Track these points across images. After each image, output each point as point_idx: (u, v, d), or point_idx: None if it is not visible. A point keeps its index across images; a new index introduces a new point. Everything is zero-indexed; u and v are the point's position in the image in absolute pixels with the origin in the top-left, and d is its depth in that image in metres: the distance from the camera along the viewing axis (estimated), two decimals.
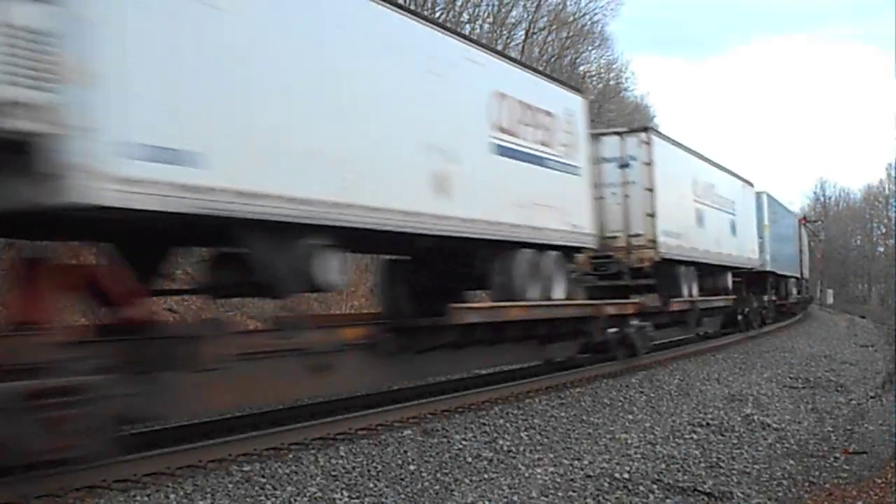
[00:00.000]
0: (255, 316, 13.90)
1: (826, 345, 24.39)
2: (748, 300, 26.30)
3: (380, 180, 9.27)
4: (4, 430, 6.09)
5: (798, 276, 37.53)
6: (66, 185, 6.03)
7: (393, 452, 8.47)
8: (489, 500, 6.97)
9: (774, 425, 10.75)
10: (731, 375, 15.93)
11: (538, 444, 9.22)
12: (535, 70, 15.32)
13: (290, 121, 8.14)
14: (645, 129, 18.13)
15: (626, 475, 7.79)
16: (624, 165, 16.96)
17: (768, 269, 28.57)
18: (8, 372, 6.30)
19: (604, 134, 17.54)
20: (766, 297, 29.25)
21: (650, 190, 16.93)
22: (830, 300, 65.26)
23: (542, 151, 12.81)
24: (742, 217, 24.45)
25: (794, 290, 36.64)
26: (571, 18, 38.21)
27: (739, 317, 25.46)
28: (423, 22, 10.97)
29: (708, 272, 20.99)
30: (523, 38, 35.19)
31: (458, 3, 31.25)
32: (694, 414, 11.39)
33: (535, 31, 36.05)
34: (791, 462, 8.86)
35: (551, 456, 8.62)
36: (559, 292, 13.23)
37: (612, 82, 44.00)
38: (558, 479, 7.63)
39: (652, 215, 16.86)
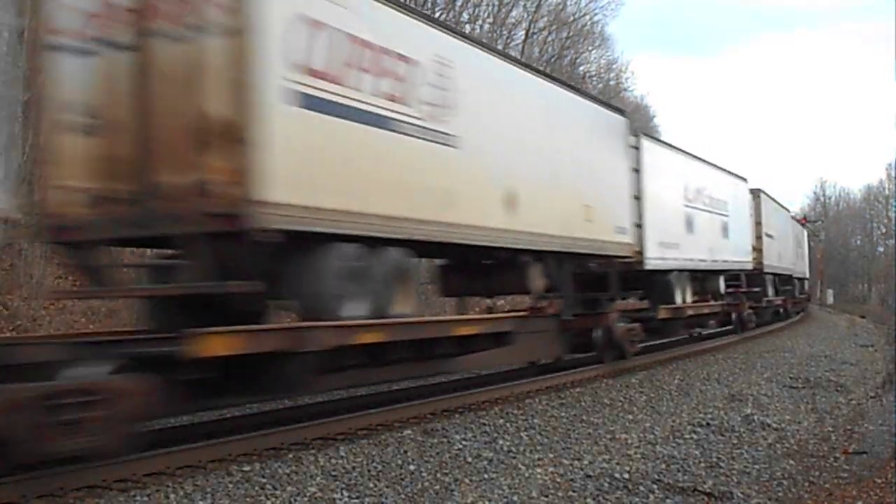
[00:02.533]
0: None
1: (826, 345, 24.36)
2: None
3: None
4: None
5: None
6: None
7: (393, 452, 8.46)
8: (489, 500, 6.96)
9: (774, 425, 10.75)
10: (731, 375, 15.91)
11: (538, 444, 9.22)
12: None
13: None
14: None
15: (626, 475, 7.79)
16: None
17: None
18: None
19: None
20: None
21: None
22: (830, 300, 65.35)
23: None
24: None
25: None
26: (571, 18, 38.29)
27: None
28: None
29: None
30: (523, 38, 35.24)
31: (458, 3, 31.27)
32: (694, 414, 11.38)
33: (535, 31, 36.11)
34: (791, 462, 8.87)
35: (551, 456, 8.62)
36: None
37: (612, 82, 44.08)
38: (558, 479, 7.62)
39: None
